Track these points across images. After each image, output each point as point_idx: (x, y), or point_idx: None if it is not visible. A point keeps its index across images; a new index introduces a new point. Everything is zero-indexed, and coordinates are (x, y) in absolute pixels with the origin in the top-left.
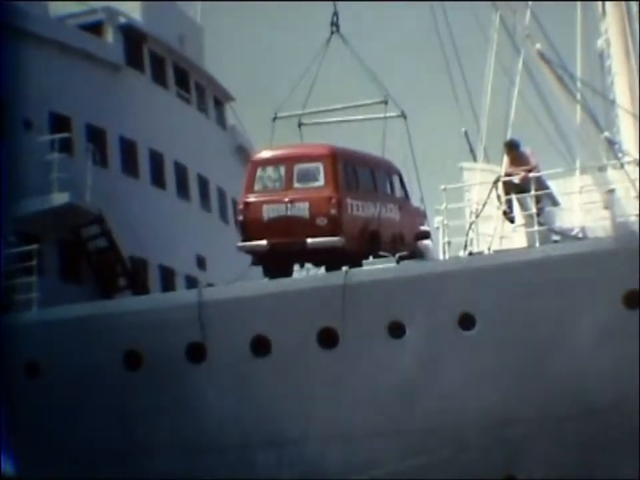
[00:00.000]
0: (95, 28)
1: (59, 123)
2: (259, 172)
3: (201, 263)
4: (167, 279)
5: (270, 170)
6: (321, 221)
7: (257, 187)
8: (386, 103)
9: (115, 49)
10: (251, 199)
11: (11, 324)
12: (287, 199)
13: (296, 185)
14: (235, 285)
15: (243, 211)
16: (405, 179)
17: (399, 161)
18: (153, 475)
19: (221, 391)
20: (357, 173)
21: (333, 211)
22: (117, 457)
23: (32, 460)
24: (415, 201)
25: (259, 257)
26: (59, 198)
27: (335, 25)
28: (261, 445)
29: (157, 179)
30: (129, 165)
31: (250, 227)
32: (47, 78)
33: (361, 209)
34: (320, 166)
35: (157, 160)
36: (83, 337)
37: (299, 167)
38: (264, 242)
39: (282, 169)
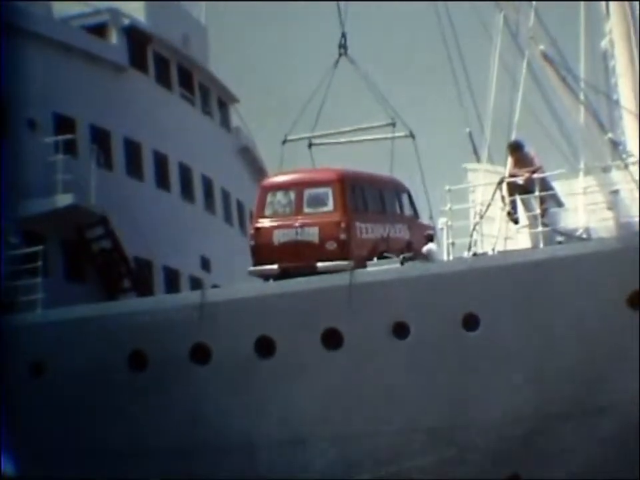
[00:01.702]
0: (99, 29)
1: (63, 124)
2: (269, 197)
3: (205, 264)
4: (172, 280)
5: (280, 195)
6: (331, 245)
7: (267, 212)
8: (394, 125)
9: (119, 50)
10: (262, 224)
11: (16, 325)
12: (296, 224)
13: (306, 209)
14: (239, 286)
15: (254, 235)
16: (414, 197)
17: (407, 178)
18: (157, 475)
19: (225, 392)
20: (366, 195)
21: (342, 236)
22: (121, 457)
23: (36, 459)
24: (424, 218)
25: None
26: (63, 199)
27: (342, 47)
28: (265, 446)
29: (161, 181)
30: (133, 166)
31: (261, 251)
32: (51, 79)
33: (369, 231)
34: (329, 191)
35: (161, 161)
36: (88, 338)
37: (308, 192)
38: (275, 266)
39: (292, 194)
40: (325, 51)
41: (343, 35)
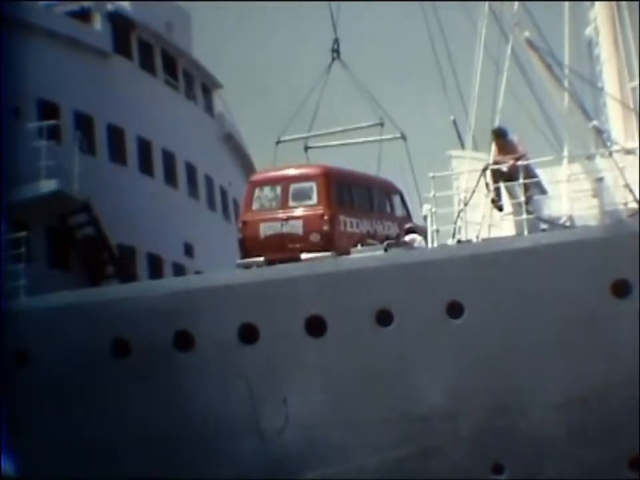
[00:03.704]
0: (83, 15)
1: (47, 110)
2: (257, 192)
3: (188, 250)
4: (155, 267)
5: (267, 190)
6: (315, 237)
7: (254, 206)
8: (382, 125)
9: (103, 36)
10: (249, 217)
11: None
12: (282, 217)
13: (291, 203)
14: (222, 273)
15: (242, 229)
16: (407, 199)
17: (398, 177)
18: (142, 463)
19: (208, 379)
20: (352, 191)
21: (326, 227)
22: (105, 445)
23: (23, 449)
24: (417, 220)
25: None
26: (47, 185)
27: (335, 51)
28: (248, 434)
29: (145, 167)
30: (117, 152)
31: (248, 244)
32: (35, 65)
33: (355, 226)
34: (313, 185)
35: (144, 147)
36: (71, 325)
37: (294, 187)
38: (261, 258)
39: (278, 189)
40: (317, 44)
41: (336, 40)
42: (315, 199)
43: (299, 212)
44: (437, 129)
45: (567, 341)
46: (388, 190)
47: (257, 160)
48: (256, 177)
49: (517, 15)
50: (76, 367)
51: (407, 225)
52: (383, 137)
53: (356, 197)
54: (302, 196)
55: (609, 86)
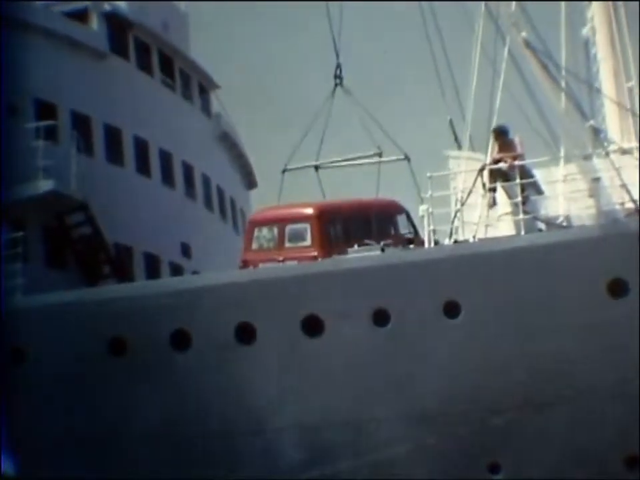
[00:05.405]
0: (80, 15)
1: (44, 109)
2: (256, 232)
3: (185, 250)
4: (152, 267)
5: (265, 230)
6: None
7: (254, 246)
8: (380, 155)
9: (100, 36)
10: (249, 257)
11: None
12: (278, 258)
13: (287, 244)
14: (219, 273)
15: (242, 269)
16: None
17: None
18: (139, 462)
19: (205, 378)
20: (349, 226)
21: None
22: (101, 444)
23: (19, 448)
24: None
25: None
26: (44, 185)
27: (338, 77)
28: (244, 434)
29: (142, 167)
30: (114, 152)
31: None
32: (33, 65)
33: None
34: (307, 227)
35: (141, 147)
36: (68, 324)
37: (289, 228)
38: None
39: (275, 229)
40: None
41: (338, 66)
42: (308, 241)
43: (294, 254)
44: (434, 131)
45: (563, 340)
46: (391, 212)
47: (254, 160)
48: (255, 217)
49: (513, 15)
50: (73, 365)
51: (408, 236)
52: (387, 159)
53: (353, 231)
54: (297, 237)
55: (606, 86)
